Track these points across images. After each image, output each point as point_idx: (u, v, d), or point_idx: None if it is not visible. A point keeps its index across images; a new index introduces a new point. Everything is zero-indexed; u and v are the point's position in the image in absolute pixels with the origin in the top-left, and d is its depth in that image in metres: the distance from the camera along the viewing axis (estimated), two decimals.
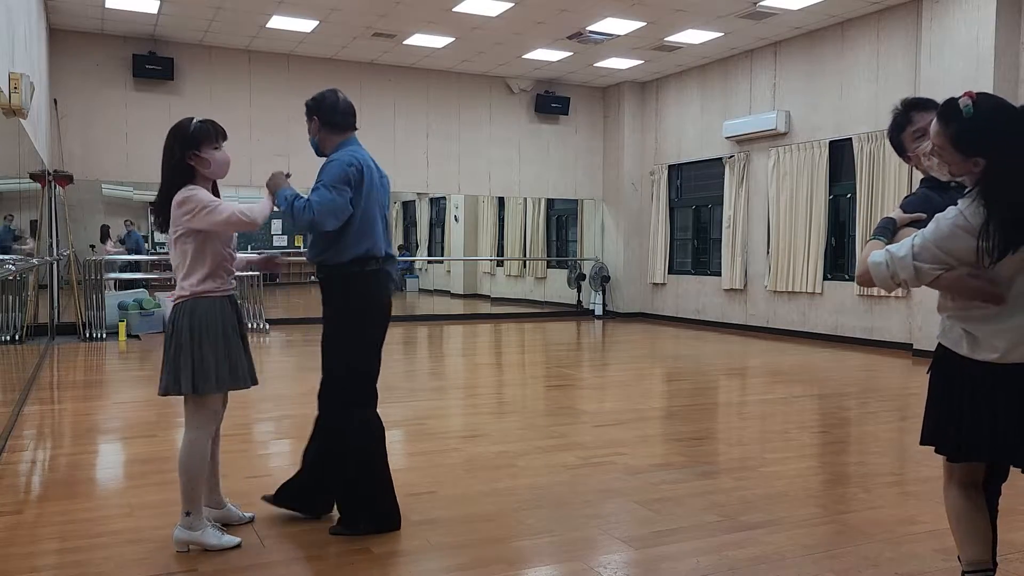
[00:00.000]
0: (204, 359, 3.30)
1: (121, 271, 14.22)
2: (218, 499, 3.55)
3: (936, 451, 2.56)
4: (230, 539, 3.29)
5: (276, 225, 21.84)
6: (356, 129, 3.93)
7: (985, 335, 2.41)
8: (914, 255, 2.46)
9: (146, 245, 18.42)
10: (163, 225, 3.40)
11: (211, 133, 3.48)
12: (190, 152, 3.40)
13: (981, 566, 2.62)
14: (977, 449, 2.45)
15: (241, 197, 21.29)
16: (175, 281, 3.39)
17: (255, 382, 3.59)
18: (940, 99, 2.52)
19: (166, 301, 3.55)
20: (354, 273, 3.59)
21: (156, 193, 3.43)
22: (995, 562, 2.68)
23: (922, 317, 9.33)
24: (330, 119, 3.80)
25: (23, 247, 7.11)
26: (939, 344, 2.55)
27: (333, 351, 3.69)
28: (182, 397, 3.43)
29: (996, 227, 2.34)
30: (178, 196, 3.29)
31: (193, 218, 3.27)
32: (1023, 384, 2.38)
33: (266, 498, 3.70)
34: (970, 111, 2.34)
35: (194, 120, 3.46)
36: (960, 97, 2.37)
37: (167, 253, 3.54)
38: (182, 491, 3.28)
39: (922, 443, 2.59)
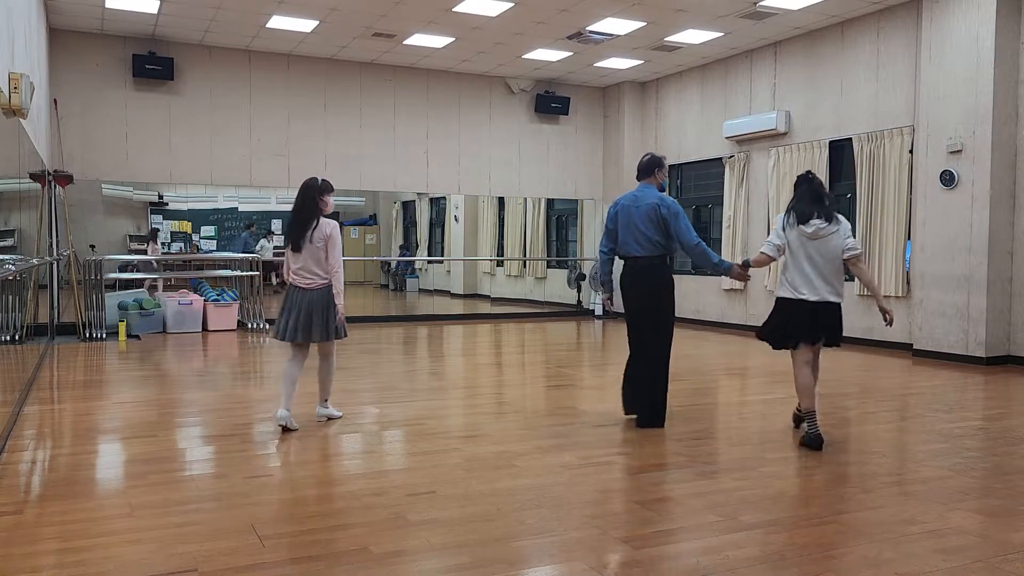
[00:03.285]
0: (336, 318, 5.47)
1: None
2: (326, 400, 5.77)
3: (773, 347, 5.39)
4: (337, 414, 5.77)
5: (276, 225, 21.83)
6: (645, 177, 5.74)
7: (796, 286, 5.20)
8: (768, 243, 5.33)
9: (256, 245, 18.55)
10: (298, 237, 5.41)
11: (328, 188, 5.56)
12: (318, 197, 5.47)
13: (810, 410, 5.12)
14: (792, 339, 5.25)
15: (241, 197, 21.41)
16: (306, 271, 5.41)
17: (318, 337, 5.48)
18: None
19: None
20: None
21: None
22: (815, 408, 5.15)
23: (922, 317, 9.34)
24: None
25: None
26: (779, 294, 5.31)
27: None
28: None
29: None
30: (329, 229, 5.42)
31: (336, 243, 5.45)
32: (806, 307, 5.17)
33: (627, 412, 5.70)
34: None
35: (319, 179, 5.57)
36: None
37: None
38: (328, 386, 5.68)
39: (759, 338, 5.44)
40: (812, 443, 4.96)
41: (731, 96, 12.33)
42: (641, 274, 5.54)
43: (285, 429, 5.31)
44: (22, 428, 5.46)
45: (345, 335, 5.54)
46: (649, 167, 5.67)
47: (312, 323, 5.37)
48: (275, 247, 18.47)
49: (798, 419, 5.45)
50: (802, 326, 5.16)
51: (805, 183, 5.41)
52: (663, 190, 5.70)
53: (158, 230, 17.72)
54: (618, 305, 5.86)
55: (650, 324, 5.56)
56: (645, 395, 5.57)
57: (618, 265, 5.67)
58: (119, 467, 4.63)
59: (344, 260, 5.60)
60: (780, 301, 5.25)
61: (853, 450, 5.20)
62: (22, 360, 7.13)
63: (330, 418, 5.72)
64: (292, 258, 5.47)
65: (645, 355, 5.57)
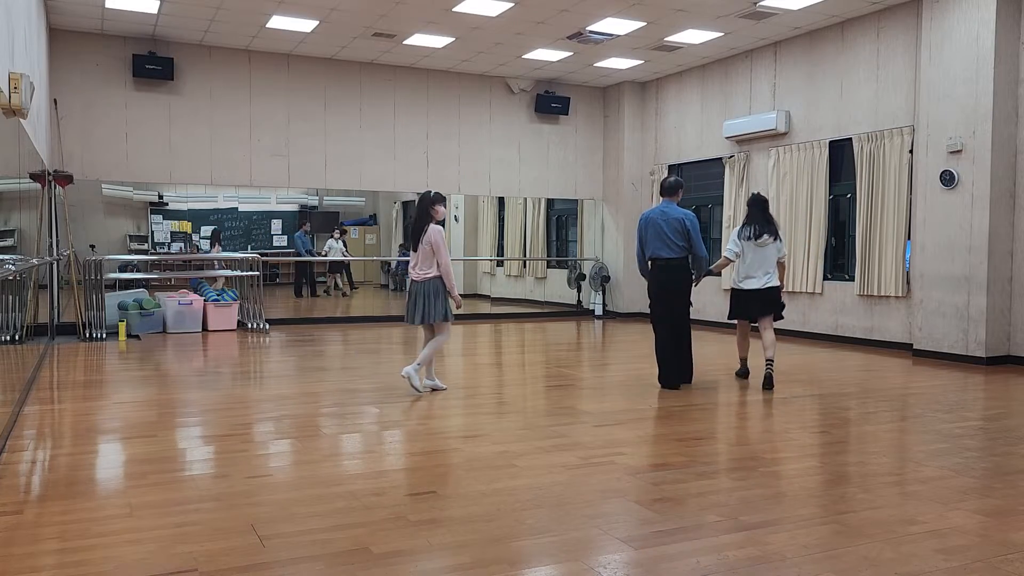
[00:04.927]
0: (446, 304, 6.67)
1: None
2: (432, 374, 6.92)
3: (728, 318, 7.70)
4: (421, 390, 6.71)
5: (276, 225, 21.85)
6: (669, 196, 7.30)
7: (744, 280, 7.25)
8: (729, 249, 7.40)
9: (311, 246, 18.26)
10: (415, 239, 6.66)
11: (440, 199, 6.73)
12: (430, 207, 6.66)
13: (745, 360, 7.61)
14: (742, 314, 7.41)
15: (241, 197, 21.39)
16: (419, 268, 6.65)
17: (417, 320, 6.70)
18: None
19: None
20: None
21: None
22: (745, 358, 7.65)
23: (922, 317, 9.34)
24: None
25: None
26: (732, 286, 7.44)
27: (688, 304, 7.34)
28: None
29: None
30: (433, 235, 6.57)
31: (438, 245, 6.57)
32: (750, 294, 7.21)
33: (666, 386, 7.12)
34: None
35: (432, 192, 6.77)
36: None
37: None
38: (427, 355, 6.69)
39: (728, 318, 7.75)
40: (743, 375, 7.64)
41: (731, 96, 12.33)
42: (673, 271, 7.12)
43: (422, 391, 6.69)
44: (22, 428, 5.46)
45: (449, 319, 6.68)
46: (674, 188, 7.28)
47: (423, 309, 6.59)
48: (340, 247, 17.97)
49: (740, 371, 7.72)
50: (744, 306, 7.37)
51: (756, 206, 7.44)
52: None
53: (220, 231, 17.67)
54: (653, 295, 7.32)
55: (681, 306, 7.23)
56: (688, 362, 7.28)
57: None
58: (119, 467, 4.63)
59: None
60: (734, 291, 7.49)
61: (853, 450, 5.20)
62: (22, 360, 7.13)
63: (434, 389, 6.84)
64: (411, 257, 6.77)
65: (679, 329, 7.20)
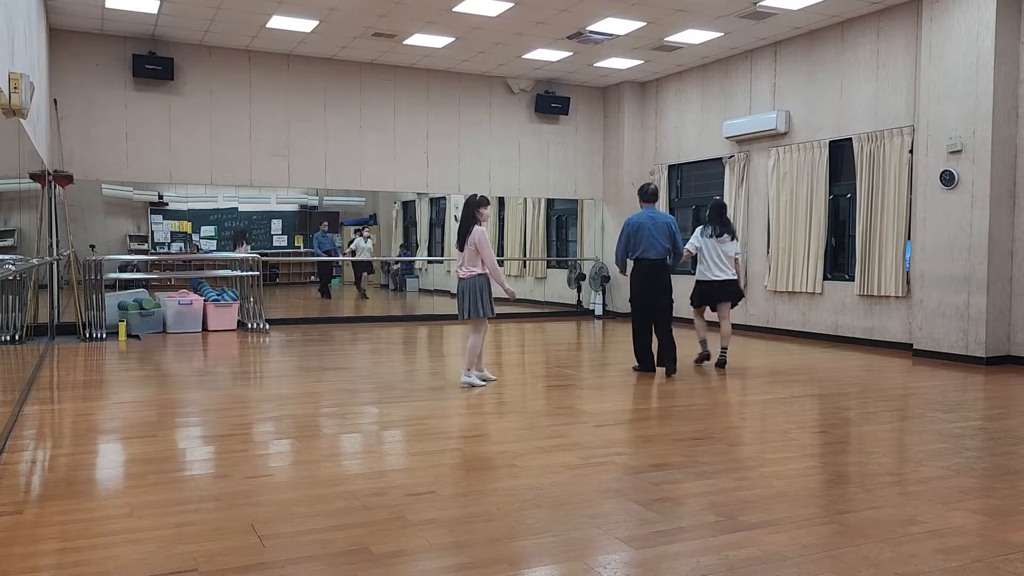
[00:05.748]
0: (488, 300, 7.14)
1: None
2: (481, 367, 7.44)
3: (692, 305, 8.66)
4: (480, 383, 7.21)
5: (276, 225, 21.84)
6: (647, 202, 8.14)
7: (707, 272, 8.44)
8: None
9: (337, 246, 17.92)
10: (461, 240, 7.14)
11: (485, 202, 7.16)
12: (476, 210, 7.11)
13: (704, 342, 8.62)
14: (704, 302, 8.56)
15: (241, 197, 21.39)
16: (465, 266, 7.15)
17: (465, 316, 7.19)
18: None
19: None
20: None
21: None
22: (704, 339, 8.68)
23: (922, 317, 9.34)
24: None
25: None
26: (697, 277, 8.58)
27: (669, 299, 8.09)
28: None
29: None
30: (476, 235, 7.03)
31: (482, 245, 7.03)
32: (712, 284, 8.42)
33: (642, 370, 8.02)
34: None
35: (478, 195, 7.21)
36: None
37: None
38: (471, 358, 7.20)
39: (692, 305, 8.70)
40: (704, 359, 8.61)
41: (731, 96, 12.33)
42: (658, 271, 7.96)
43: (479, 384, 7.15)
44: (22, 428, 5.46)
45: (491, 314, 7.12)
46: (656, 194, 8.20)
47: (467, 304, 7.09)
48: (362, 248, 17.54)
49: (700, 357, 8.67)
50: (705, 296, 8.54)
51: (716, 210, 8.56)
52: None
53: (246, 231, 17.55)
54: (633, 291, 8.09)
55: (664, 300, 8.02)
56: (671, 351, 7.89)
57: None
58: (119, 467, 4.63)
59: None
60: (699, 282, 8.56)
61: (853, 450, 5.20)
62: (22, 360, 7.13)
63: (472, 385, 7.12)
64: (458, 256, 7.23)
65: (662, 323, 7.97)
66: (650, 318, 8.00)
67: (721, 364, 8.34)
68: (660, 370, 7.99)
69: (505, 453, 4.87)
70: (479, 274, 7.07)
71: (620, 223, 14.40)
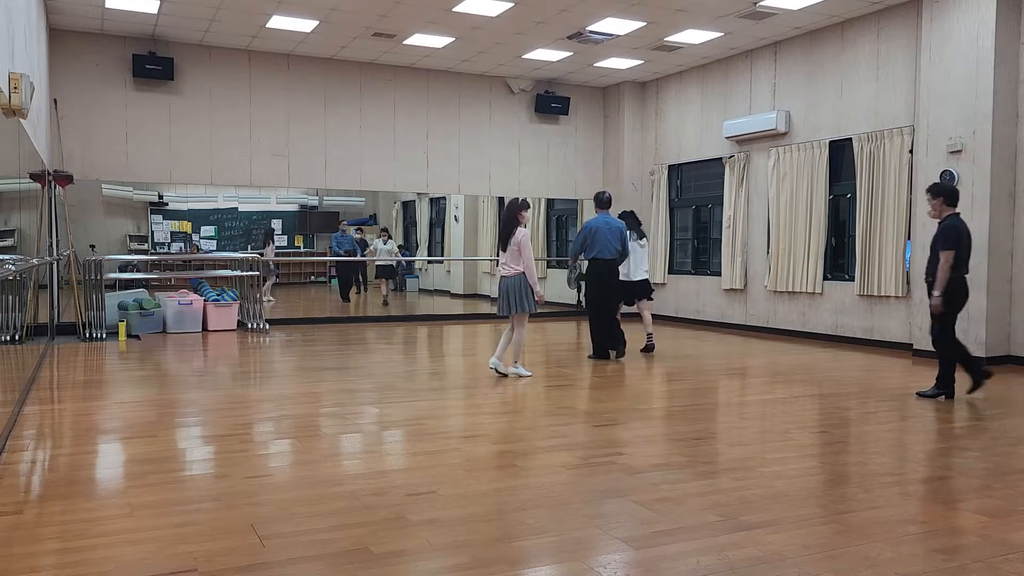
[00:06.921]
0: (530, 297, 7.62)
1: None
2: (516, 362, 7.78)
3: (624, 304, 9.46)
4: (527, 373, 7.76)
5: (276, 225, 21.84)
6: (603, 208, 9.07)
7: (629, 272, 9.32)
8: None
9: (357, 247, 17.08)
10: (503, 240, 7.57)
11: (526, 205, 7.59)
12: (517, 213, 7.53)
13: (650, 336, 9.72)
14: (627, 300, 9.47)
15: (241, 197, 21.38)
16: (507, 265, 7.60)
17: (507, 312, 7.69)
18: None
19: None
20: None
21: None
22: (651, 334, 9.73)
23: (922, 317, 9.33)
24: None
25: None
26: (621, 278, 9.20)
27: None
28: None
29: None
30: (518, 236, 7.48)
31: (524, 246, 7.47)
32: (634, 284, 9.44)
33: (598, 357, 9.00)
34: None
35: (519, 199, 7.64)
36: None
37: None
38: (516, 351, 7.72)
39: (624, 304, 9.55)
40: (649, 351, 9.56)
41: (731, 96, 12.33)
42: (611, 270, 8.90)
43: (499, 374, 7.68)
44: (22, 428, 5.46)
45: (533, 310, 7.63)
46: (610, 202, 9.11)
47: (508, 301, 7.57)
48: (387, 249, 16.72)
49: (647, 346, 9.61)
50: (627, 293, 9.39)
51: (632, 217, 9.60)
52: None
53: (274, 231, 17.29)
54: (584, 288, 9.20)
55: (614, 294, 9.02)
56: (621, 338, 9.01)
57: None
58: (119, 467, 4.63)
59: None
60: (622, 281, 9.20)
61: (853, 450, 5.20)
62: (22, 360, 7.13)
63: (520, 376, 7.66)
64: (501, 255, 7.67)
65: (610, 314, 8.97)
66: (602, 311, 8.97)
67: (649, 349, 9.47)
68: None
69: (505, 453, 4.87)
70: (521, 272, 7.52)
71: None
